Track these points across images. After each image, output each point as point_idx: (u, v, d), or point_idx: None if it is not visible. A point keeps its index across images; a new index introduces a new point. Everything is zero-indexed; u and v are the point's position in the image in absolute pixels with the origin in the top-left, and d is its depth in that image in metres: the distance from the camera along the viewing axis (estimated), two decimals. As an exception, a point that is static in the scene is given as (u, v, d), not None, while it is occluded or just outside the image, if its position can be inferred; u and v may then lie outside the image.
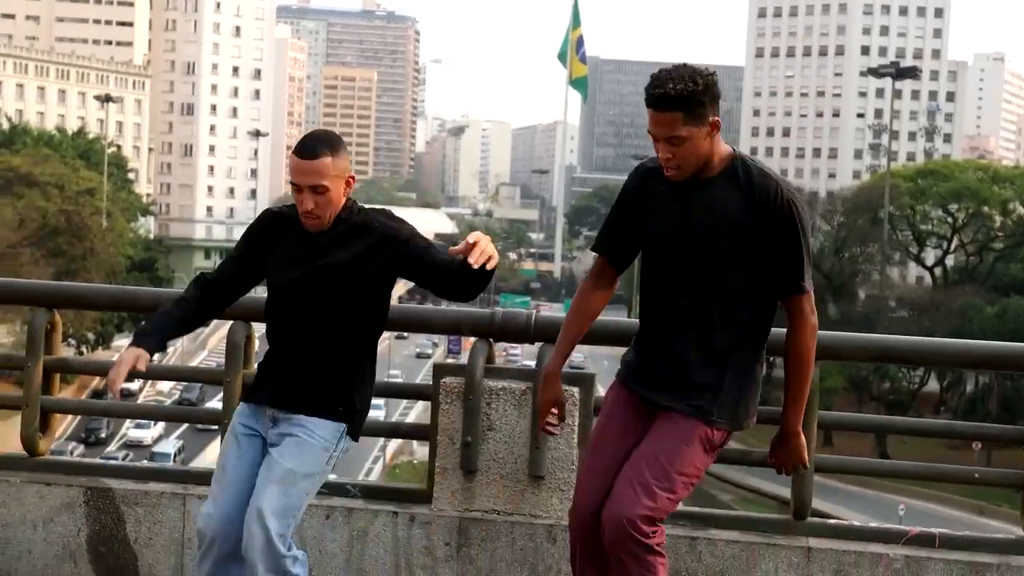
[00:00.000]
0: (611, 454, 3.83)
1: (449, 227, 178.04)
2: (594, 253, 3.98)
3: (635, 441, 3.81)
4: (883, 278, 77.18)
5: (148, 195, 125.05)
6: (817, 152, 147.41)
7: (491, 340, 5.14)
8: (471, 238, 3.68)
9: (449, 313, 5.33)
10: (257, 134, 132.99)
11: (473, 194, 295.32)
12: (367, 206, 4.05)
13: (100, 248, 71.60)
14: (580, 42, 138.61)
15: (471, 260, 3.66)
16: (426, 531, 5.03)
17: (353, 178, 3.95)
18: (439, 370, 5.12)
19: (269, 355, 4.05)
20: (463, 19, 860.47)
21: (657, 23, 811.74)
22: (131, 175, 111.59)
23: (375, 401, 4.48)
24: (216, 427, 5.29)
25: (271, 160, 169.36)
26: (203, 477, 5.35)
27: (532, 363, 5.18)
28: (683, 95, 3.55)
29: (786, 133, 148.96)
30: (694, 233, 3.69)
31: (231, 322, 5.22)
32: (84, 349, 72.14)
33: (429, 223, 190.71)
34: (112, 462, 5.65)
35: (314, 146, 3.83)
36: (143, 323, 4.01)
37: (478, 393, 4.96)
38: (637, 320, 4.01)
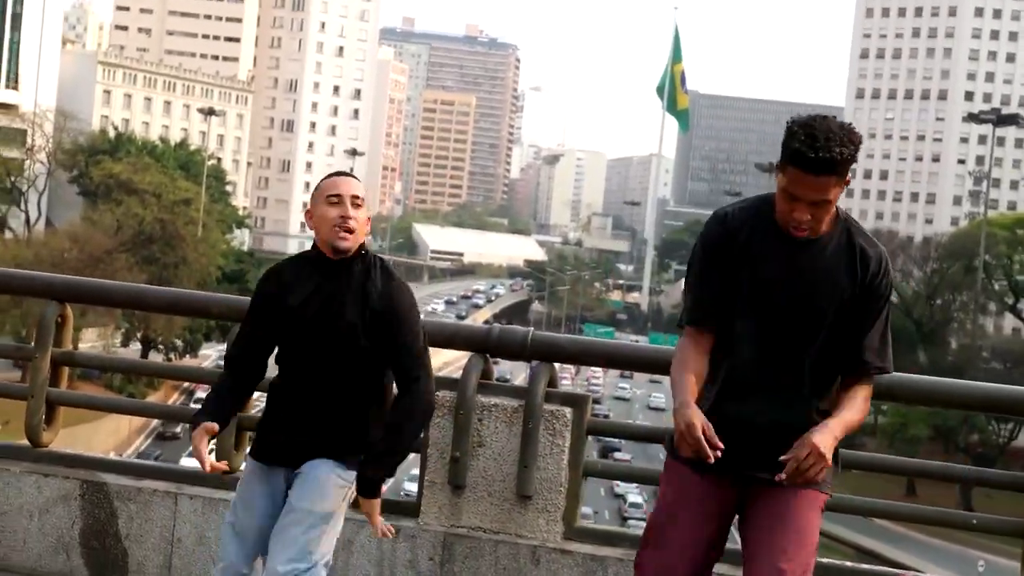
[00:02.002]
0: (691, 546, 3.53)
1: (539, 254, 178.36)
2: (691, 326, 3.59)
3: (719, 528, 3.54)
4: (976, 327, 75.51)
5: (244, 208, 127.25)
6: (915, 196, 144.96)
7: (487, 356, 5.11)
8: None
9: (447, 327, 5.32)
10: (354, 153, 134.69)
11: (564, 223, 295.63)
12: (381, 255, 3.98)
13: (192, 257, 72.89)
14: (683, 77, 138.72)
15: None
16: (411, 545, 5.00)
17: (369, 219, 3.95)
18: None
19: (276, 408, 3.95)
20: (563, 48, 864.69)
21: (757, 59, 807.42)
22: (229, 187, 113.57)
23: None
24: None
25: (366, 179, 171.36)
26: (196, 478, 5.39)
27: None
28: (846, 159, 3.32)
29: (884, 176, 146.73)
30: (802, 292, 3.45)
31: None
32: (172, 356, 73.48)
33: (519, 249, 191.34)
34: (111, 457, 5.72)
35: (345, 172, 3.96)
36: (205, 401, 3.99)
37: (469, 408, 4.93)
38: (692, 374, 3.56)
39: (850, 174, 3.38)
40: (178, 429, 58.57)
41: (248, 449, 4.09)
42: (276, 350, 3.97)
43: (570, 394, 5.03)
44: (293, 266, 3.97)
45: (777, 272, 3.46)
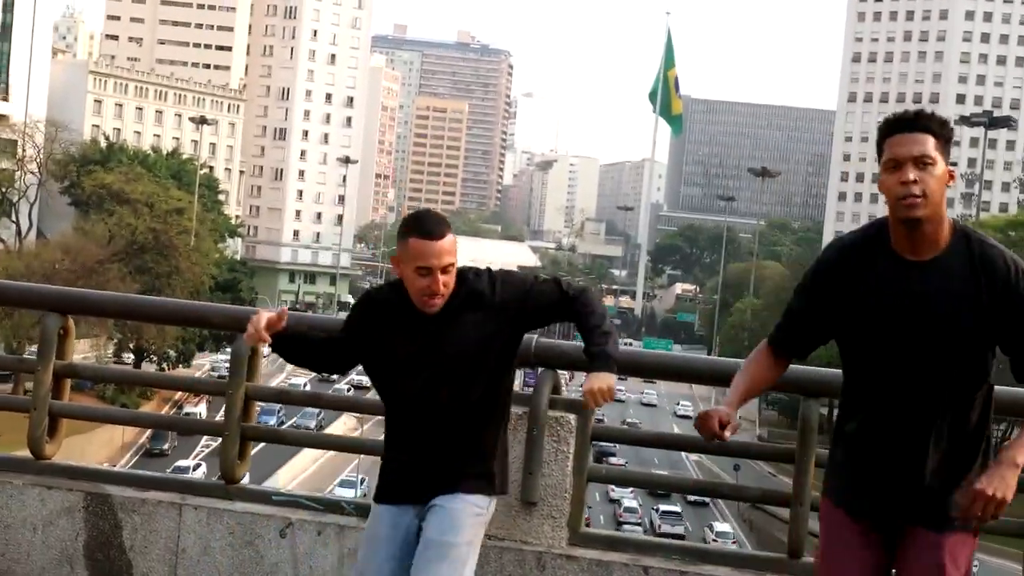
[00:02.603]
0: None
1: (532, 260, 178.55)
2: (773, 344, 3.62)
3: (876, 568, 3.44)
4: (969, 330, 75.55)
5: (237, 217, 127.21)
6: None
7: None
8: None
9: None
10: (347, 160, 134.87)
11: (558, 228, 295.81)
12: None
13: (185, 267, 72.80)
14: (676, 83, 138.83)
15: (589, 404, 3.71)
16: (416, 553, 4.98)
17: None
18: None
19: (398, 448, 3.83)
20: (556, 54, 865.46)
21: (749, 64, 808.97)
22: (221, 196, 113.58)
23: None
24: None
25: (359, 187, 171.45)
26: (201, 488, 5.39)
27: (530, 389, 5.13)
28: (938, 120, 3.37)
29: (876, 180, 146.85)
30: (930, 318, 3.32)
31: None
32: (165, 366, 73.39)
33: (512, 255, 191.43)
34: (115, 469, 5.71)
35: (440, 224, 3.73)
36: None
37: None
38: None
39: (952, 167, 3.39)
40: (166, 446, 57.88)
41: (370, 493, 3.98)
42: (377, 384, 3.86)
43: (574, 400, 5.02)
44: (389, 304, 3.82)
45: (899, 301, 3.34)
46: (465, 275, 3.77)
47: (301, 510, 5.18)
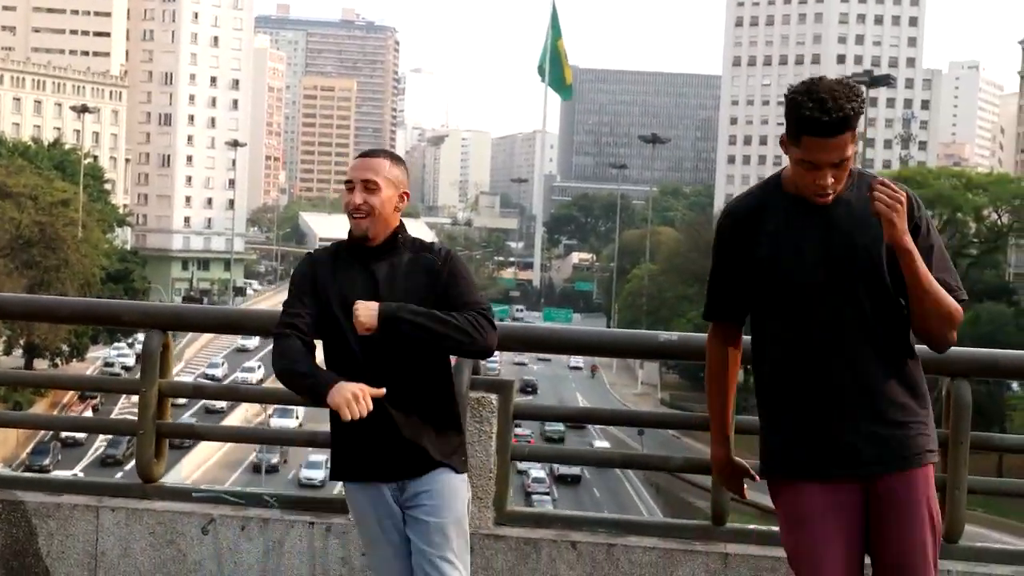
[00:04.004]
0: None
1: (428, 236, 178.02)
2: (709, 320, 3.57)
3: (859, 538, 3.35)
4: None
5: (125, 206, 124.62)
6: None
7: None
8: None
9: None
10: (235, 144, 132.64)
11: (453, 203, 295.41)
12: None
13: (74, 259, 71.16)
14: (564, 53, 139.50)
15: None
16: (343, 541, 4.95)
17: (408, 195, 3.81)
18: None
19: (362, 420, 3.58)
20: (442, 29, 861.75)
21: (634, 32, 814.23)
22: (107, 186, 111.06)
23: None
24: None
25: (250, 171, 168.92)
26: (118, 489, 5.28)
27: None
28: (856, 109, 3.18)
29: (763, 141, 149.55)
30: (846, 258, 3.28)
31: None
32: (59, 362, 71.78)
33: (408, 232, 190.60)
34: (27, 475, 5.56)
35: (375, 151, 3.83)
36: (309, 369, 3.63)
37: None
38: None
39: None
40: (47, 462, 52.96)
41: (334, 474, 3.84)
42: (328, 339, 3.75)
43: (495, 380, 5.03)
44: (335, 259, 3.80)
45: (811, 250, 3.30)
46: (432, 243, 3.83)
47: (223, 505, 5.10)
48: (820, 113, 3.16)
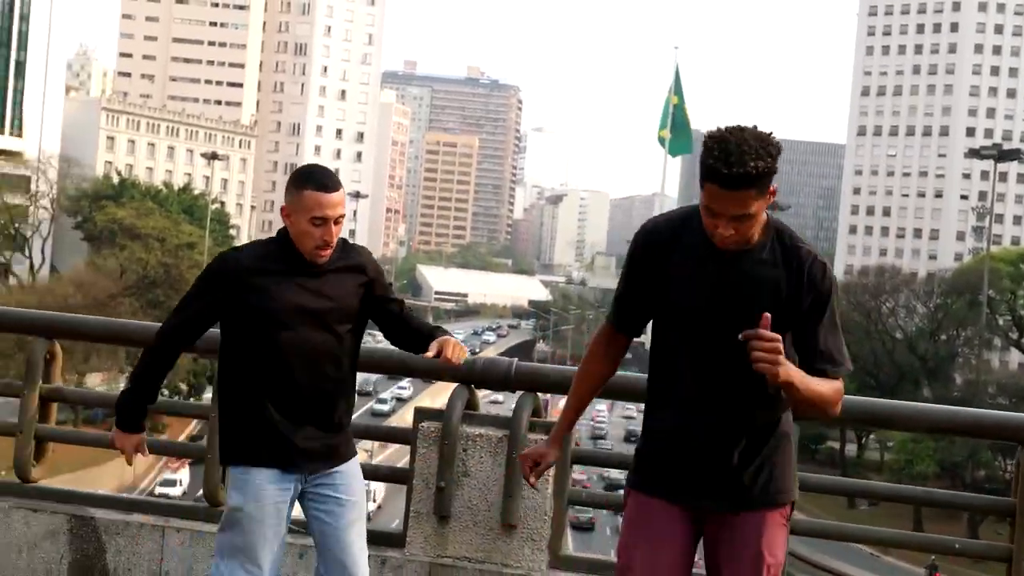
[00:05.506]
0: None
1: (543, 293, 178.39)
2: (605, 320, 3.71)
3: (684, 552, 3.43)
4: (980, 363, 75.25)
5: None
6: (918, 233, 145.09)
7: (471, 386, 5.14)
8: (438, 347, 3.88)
9: (433, 359, 5.32)
10: (357, 195, 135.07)
11: (568, 262, 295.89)
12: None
13: (196, 301, 72.95)
14: (682, 110, 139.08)
15: (449, 357, 3.89)
16: (397, 575, 5.00)
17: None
18: (419, 414, 5.13)
19: (271, 404, 3.85)
20: (565, 89, 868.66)
21: (758, 98, 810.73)
22: (232, 231, 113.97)
23: (364, 444, 4.52)
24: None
25: (370, 222, 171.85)
26: (184, 511, 5.42)
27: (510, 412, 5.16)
28: (764, 173, 3.19)
29: (886, 212, 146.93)
30: (732, 303, 3.33)
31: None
32: (176, 399, 73.42)
33: (523, 290, 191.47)
34: (99, 492, 5.74)
35: (335, 180, 3.91)
36: (127, 396, 3.98)
37: (454, 439, 4.96)
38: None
39: (774, 183, 3.26)
40: (175, 476, 56.93)
41: (235, 459, 3.94)
42: (232, 348, 3.92)
43: (554, 423, 5.04)
44: (262, 258, 3.91)
45: (703, 285, 3.36)
46: (344, 240, 3.99)
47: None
48: (721, 165, 3.18)
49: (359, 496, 3.99)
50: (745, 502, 3.38)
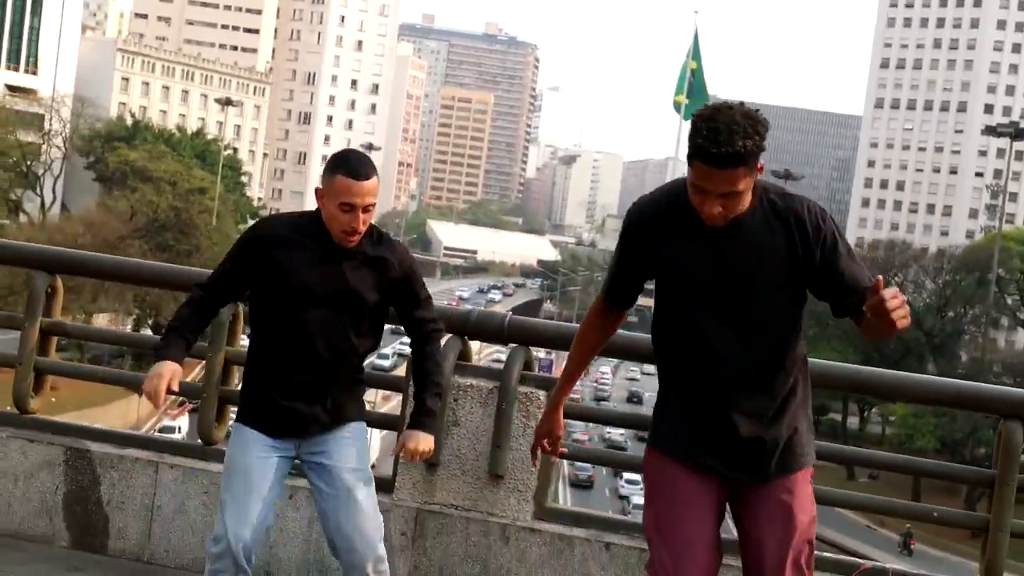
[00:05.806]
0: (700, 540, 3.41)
1: (552, 254, 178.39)
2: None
3: (716, 516, 3.46)
4: (986, 341, 75.22)
5: (259, 199, 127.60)
6: (931, 208, 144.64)
7: (465, 338, 5.21)
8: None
9: (427, 309, 5.38)
10: (370, 147, 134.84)
11: (579, 223, 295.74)
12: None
13: (205, 246, 73.08)
14: (700, 74, 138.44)
15: (409, 451, 4.02)
16: (385, 519, 5.06)
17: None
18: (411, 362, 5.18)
19: (277, 377, 3.95)
20: (583, 48, 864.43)
21: (777, 66, 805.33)
22: (244, 178, 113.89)
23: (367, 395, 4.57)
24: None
25: (382, 174, 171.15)
26: (178, 448, 5.51)
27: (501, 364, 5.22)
28: (752, 151, 3.19)
29: (900, 187, 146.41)
30: (731, 273, 3.34)
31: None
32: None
33: (532, 249, 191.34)
34: (97, 426, 5.83)
35: (368, 168, 3.93)
36: (167, 333, 3.97)
37: (445, 388, 5.02)
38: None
39: (761, 161, 3.25)
40: (174, 423, 56.41)
41: (237, 418, 4.07)
42: (255, 312, 4.01)
43: (545, 377, 5.12)
44: (294, 231, 3.98)
45: (704, 260, 3.36)
46: (383, 233, 4.02)
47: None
48: (710, 144, 3.18)
49: (354, 462, 3.99)
50: (777, 469, 3.42)
